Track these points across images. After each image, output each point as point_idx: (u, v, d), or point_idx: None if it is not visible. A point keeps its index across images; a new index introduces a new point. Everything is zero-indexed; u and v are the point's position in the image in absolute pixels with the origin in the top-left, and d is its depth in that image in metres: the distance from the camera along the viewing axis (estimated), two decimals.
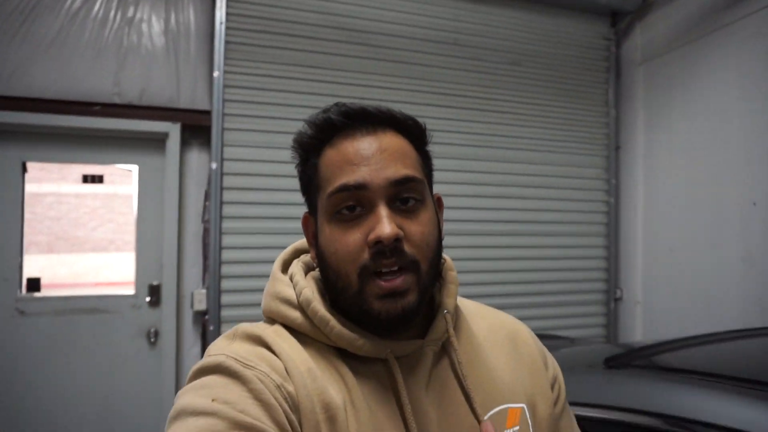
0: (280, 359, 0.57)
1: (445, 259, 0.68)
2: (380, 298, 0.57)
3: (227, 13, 2.50)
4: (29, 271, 2.52)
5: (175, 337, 2.59)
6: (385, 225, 0.55)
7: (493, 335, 0.71)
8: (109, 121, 2.47)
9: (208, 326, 2.50)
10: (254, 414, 0.49)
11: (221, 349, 0.57)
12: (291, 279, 0.66)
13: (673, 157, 2.87)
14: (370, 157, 0.58)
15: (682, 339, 1.17)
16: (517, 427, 0.64)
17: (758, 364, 0.97)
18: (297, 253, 0.72)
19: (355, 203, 0.58)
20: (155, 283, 2.63)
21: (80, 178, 14.41)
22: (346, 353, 0.60)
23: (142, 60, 2.56)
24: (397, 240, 0.56)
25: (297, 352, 0.58)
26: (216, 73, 2.47)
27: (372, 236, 0.56)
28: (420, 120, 0.64)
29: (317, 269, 0.68)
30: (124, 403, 2.55)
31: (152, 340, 2.61)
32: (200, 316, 2.62)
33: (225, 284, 2.50)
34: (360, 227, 0.57)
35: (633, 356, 1.07)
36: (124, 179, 14.36)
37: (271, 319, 0.64)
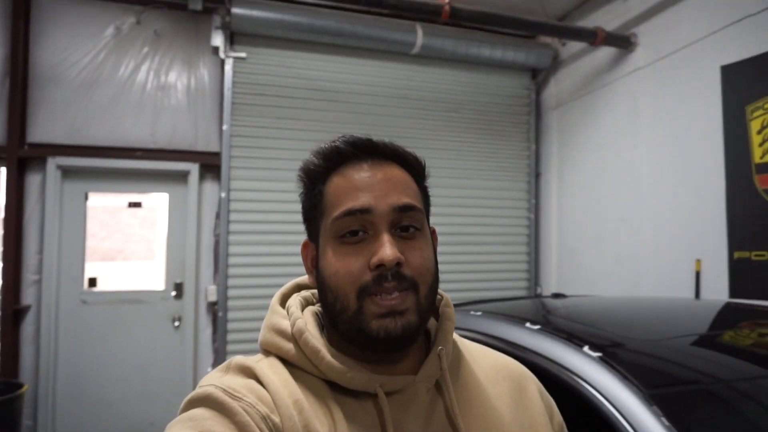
0: (267, 391, 0.58)
1: (442, 296, 0.70)
2: (379, 317, 0.57)
3: (233, 81, 3.40)
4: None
5: (193, 321, 3.46)
6: (388, 249, 0.57)
7: (495, 375, 0.71)
8: (147, 162, 3.38)
9: (218, 313, 3.38)
10: None
11: (212, 381, 0.58)
12: (288, 312, 0.67)
13: (576, 182, 3.72)
14: (375, 185, 0.61)
15: (483, 300, 2.03)
16: None
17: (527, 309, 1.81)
18: (297, 288, 0.74)
19: (358, 228, 0.60)
20: (179, 281, 3.51)
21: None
22: (337, 387, 0.60)
23: (170, 115, 3.46)
24: (398, 264, 0.57)
25: (286, 384, 0.59)
26: (225, 126, 3.37)
27: (375, 260, 0.57)
28: (420, 157, 0.68)
29: (316, 303, 0.71)
30: (157, 369, 3.42)
31: (176, 324, 3.48)
32: (212, 306, 3.50)
33: (231, 282, 3.38)
34: (362, 252, 0.59)
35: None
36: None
37: (268, 351, 0.65)
